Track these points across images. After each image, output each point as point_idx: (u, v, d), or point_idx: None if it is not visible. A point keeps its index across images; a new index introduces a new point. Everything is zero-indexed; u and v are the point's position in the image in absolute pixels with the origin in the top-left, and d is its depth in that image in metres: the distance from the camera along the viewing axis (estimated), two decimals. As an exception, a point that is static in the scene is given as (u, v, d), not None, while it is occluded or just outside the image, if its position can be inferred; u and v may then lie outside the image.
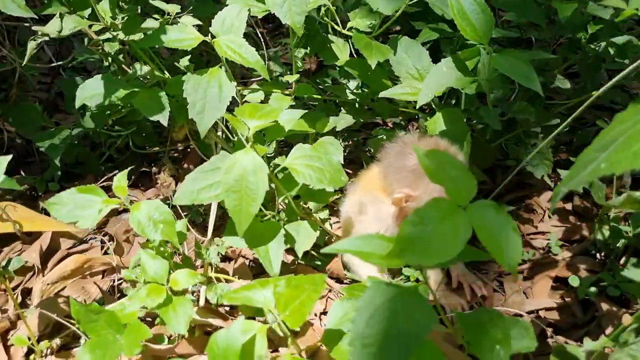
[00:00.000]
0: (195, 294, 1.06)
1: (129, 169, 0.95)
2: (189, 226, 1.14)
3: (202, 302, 1.03)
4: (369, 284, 0.66)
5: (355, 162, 1.42)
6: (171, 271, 0.94)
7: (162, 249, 0.96)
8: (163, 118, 1.00)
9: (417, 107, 0.99)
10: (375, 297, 0.65)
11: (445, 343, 0.93)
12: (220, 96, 0.98)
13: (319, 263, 1.16)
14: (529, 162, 1.10)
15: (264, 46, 1.57)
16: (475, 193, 0.63)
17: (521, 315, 1.00)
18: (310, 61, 1.74)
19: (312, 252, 1.15)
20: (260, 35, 1.59)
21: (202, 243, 1.11)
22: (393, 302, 0.64)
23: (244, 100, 1.16)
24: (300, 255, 1.04)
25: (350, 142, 1.41)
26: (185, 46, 1.01)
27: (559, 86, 1.13)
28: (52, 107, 1.68)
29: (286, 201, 1.05)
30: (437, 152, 0.63)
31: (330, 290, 1.11)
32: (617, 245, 1.06)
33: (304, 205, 1.12)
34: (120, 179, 0.91)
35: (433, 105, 1.12)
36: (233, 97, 1.00)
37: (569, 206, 1.26)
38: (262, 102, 1.17)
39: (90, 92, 1.08)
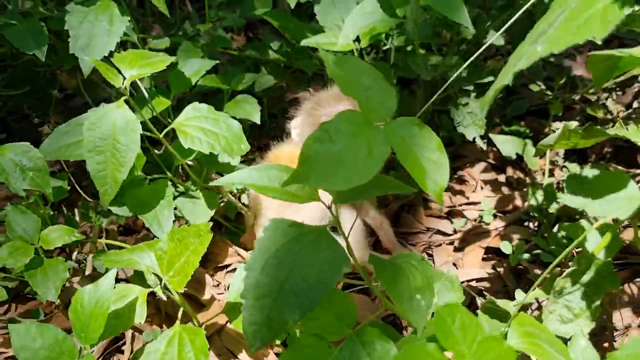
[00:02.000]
0: (82, 266, 0.91)
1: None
2: (79, 189, 0.98)
3: (88, 271, 0.88)
4: (268, 224, 0.54)
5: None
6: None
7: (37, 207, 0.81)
8: (41, 53, 0.84)
9: (338, 47, 0.88)
10: (274, 240, 0.53)
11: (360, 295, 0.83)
12: (110, 31, 0.83)
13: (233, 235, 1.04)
14: (460, 122, 1.02)
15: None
16: (395, 108, 0.52)
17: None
18: (239, 38, 1.62)
19: (226, 224, 1.04)
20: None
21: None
22: (294, 244, 0.53)
23: (147, 47, 1.02)
24: None
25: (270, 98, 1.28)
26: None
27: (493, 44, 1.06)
28: None
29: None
30: (350, 59, 0.52)
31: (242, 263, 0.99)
32: (550, 210, 1.00)
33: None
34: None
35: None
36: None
37: (502, 178, 1.20)
38: (167, 50, 1.04)
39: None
